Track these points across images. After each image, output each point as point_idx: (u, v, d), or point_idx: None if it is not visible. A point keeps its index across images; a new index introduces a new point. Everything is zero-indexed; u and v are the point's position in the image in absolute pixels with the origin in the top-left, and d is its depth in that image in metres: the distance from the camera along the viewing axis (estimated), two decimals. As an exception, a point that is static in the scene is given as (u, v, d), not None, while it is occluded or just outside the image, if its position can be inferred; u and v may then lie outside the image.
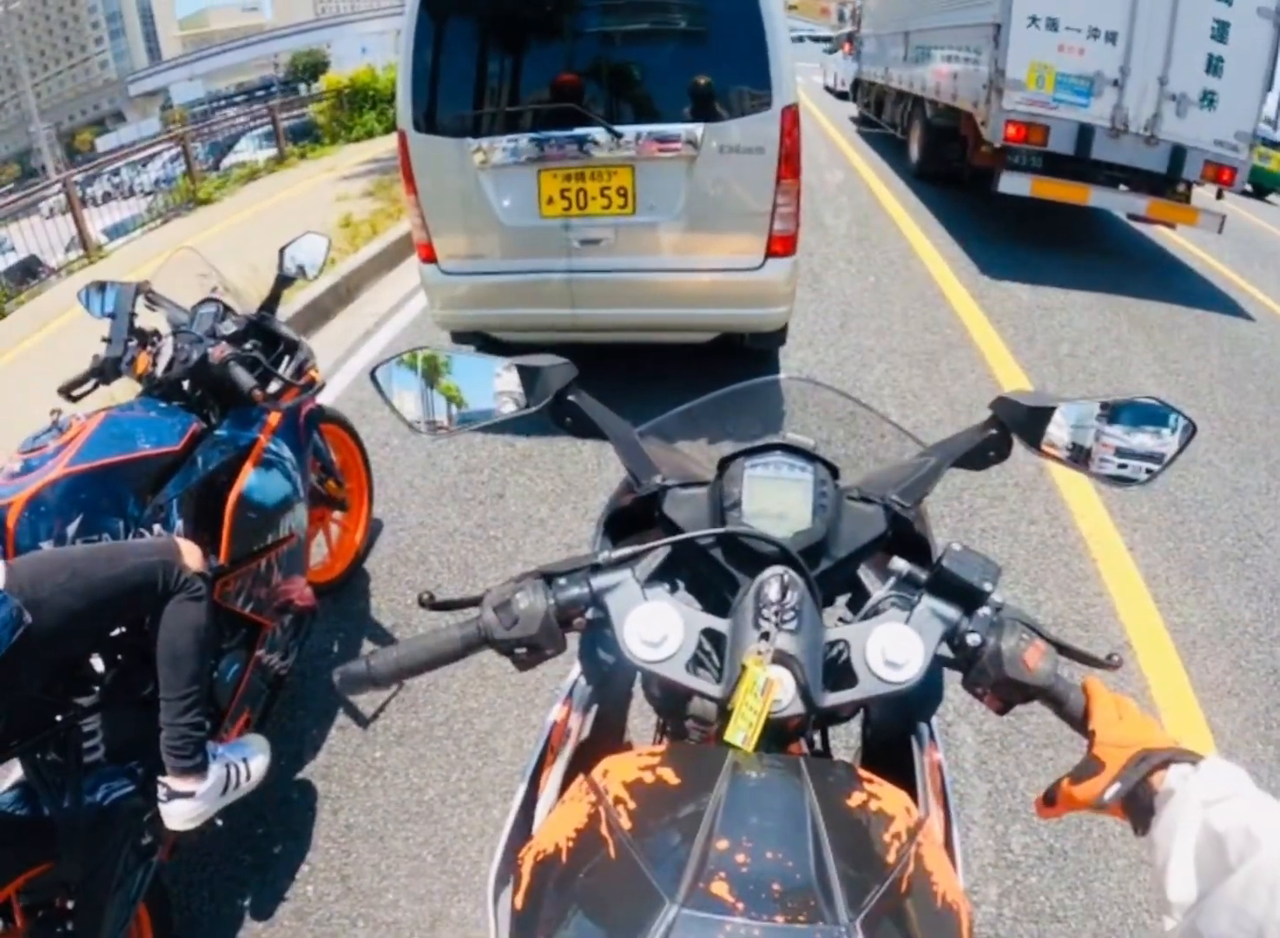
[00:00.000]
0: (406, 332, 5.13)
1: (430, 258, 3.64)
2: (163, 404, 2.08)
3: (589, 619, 0.81)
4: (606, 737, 1.00)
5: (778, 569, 0.77)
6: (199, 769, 1.70)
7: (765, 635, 0.73)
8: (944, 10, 7.31)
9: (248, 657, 2.08)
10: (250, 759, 1.85)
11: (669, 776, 0.70)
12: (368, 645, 2.64)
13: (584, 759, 0.90)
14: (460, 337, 3.91)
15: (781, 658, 0.73)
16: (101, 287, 2.30)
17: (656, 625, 0.75)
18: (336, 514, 2.83)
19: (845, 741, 1.48)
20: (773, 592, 0.75)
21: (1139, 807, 0.70)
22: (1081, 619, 2.73)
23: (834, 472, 0.88)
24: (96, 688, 1.79)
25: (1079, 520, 3.21)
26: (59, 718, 1.68)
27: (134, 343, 2.19)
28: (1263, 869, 0.57)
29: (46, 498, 1.70)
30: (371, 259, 6.12)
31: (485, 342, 3.77)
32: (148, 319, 2.26)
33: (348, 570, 2.89)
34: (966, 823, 2.04)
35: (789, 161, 3.19)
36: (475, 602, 0.84)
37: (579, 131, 3.24)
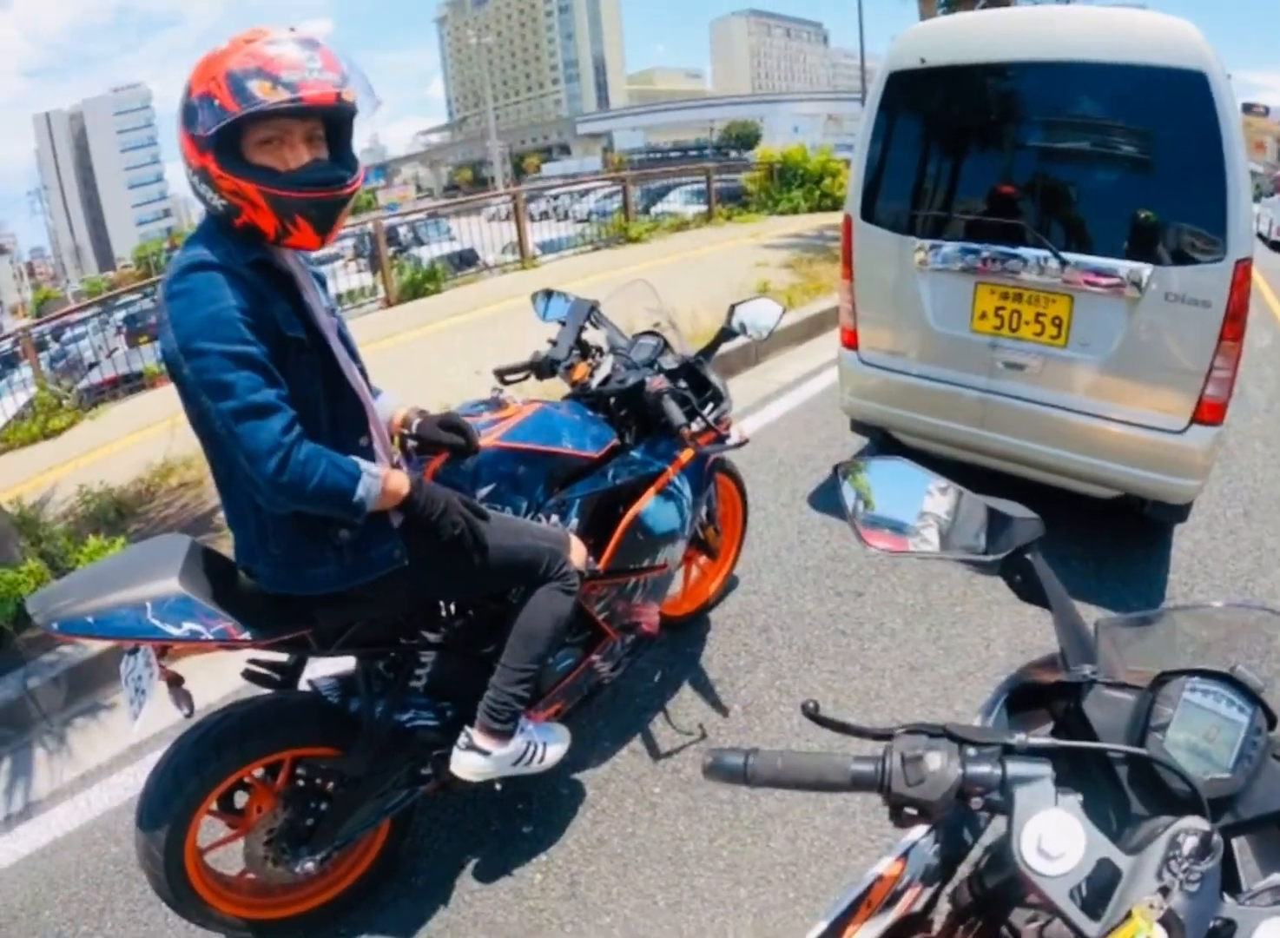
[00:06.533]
0: (805, 406, 5.27)
1: (852, 344, 3.72)
2: (589, 412, 2.31)
3: (986, 801, 0.76)
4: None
5: (1202, 824, 0.70)
6: (506, 735, 1.85)
7: (1165, 890, 0.66)
8: None
9: (583, 657, 2.24)
10: (550, 745, 1.98)
11: None
12: (687, 689, 2.72)
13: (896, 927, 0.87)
14: (860, 427, 3.96)
15: (1169, 919, 0.65)
16: (549, 293, 2.62)
17: (1060, 839, 0.70)
18: (702, 559, 2.97)
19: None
20: (1188, 846, 0.68)
21: None
22: None
23: (1271, 721, 0.80)
24: (444, 629, 2.01)
25: None
26: (403, 641, 1.91)
27: (576, 352, 2.47)
28: None
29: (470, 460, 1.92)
30: (784, 330, 6.28)
31: (885, 438, 3.78)
32: (588, 334, 2.53)
33: (694, 613, 3.01)
34: None
35: (1235, 321, 2.81)
36: (864, 733, 0.82)
37: (1022, 250, 3.13)
